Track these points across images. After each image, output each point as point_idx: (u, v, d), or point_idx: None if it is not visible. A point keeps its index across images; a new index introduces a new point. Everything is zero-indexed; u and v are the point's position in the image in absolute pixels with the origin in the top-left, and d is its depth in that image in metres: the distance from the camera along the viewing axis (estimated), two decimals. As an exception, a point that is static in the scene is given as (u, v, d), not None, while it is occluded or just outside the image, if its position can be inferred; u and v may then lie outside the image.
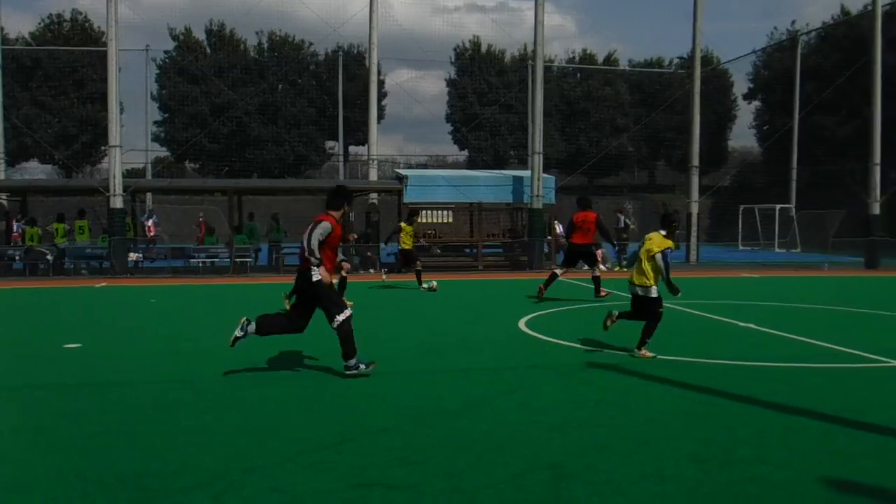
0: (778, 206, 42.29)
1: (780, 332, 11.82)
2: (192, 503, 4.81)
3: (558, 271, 16.88)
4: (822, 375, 8.89)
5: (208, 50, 52.79)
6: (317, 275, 8.37)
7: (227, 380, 8.44)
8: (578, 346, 10.48)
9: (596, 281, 16.40)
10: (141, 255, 24.62)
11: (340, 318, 8.43)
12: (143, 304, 16.08)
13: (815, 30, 49.75)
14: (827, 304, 15.90)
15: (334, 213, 8.80)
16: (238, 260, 23.54)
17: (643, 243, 9.98)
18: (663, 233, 9.93)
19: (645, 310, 9.87)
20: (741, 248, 43.00)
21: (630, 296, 10.12)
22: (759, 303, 16.15)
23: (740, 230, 44.53)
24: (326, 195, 9.08)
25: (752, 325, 12.47)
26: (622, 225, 26.49)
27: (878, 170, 28.08)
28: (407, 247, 18.93)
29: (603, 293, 16.23)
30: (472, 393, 7.76)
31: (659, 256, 9.65)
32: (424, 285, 18.19)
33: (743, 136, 59.22)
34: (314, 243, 8.41)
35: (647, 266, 9.75)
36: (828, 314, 14.52)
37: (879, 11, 28.73)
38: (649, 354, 9.69)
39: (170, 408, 7.19)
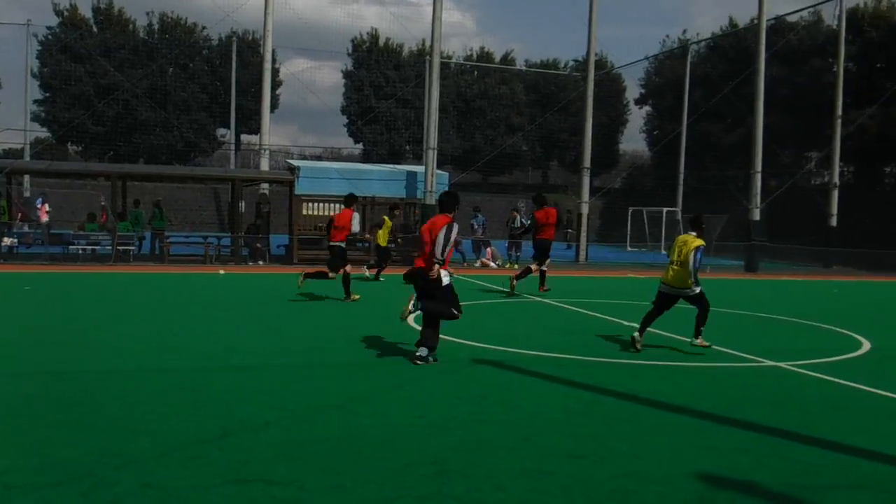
0: (665, 209, 43.49)
1: (662, 332, 12.12)
2: (60, 500, 4.60)
3: (533, 267, 16.76)
4: (701, 374, 9.18)
5: (95, 28, 50.92)
6: (435, 273, 9.12)
7: (104, 372, 8.14)
8: (465, 342, 10.52)
9: (542, 274, 16.64)
10: (16, 240, 23.52)
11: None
12: (17, 291, 15.38)
13: (704, 40, 51.47)
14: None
15: (451, 215, 9.42)
16: (120, 248, 22.76)
17: (674, 246, 10.64)
18: (694, 234, 10.55)
19: (695, 304, 10.61)
20: (629, 248, 44.05)
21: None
22: (644, 303, 16.52)
23: (629, 231, 45.60)
24: (441, 199, 9.80)
25: (636, 325, 12.75)
26: (519, 224, 26.79)
27: (758, 177, 29.28)
28: (382, 243, 19.38)
29: (544, 288, 16.54)
30: (357, 388, 7.70)
31: (692, 254, 10.24)
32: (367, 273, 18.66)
33: (634, 139, 60.73)
34: (447, 245, 9.13)
35: (686, 267, 10.32)
36: (709, 315, 14.96)
37: (764, 25, 29.92)
38: (707, 343, 10.45)
39: (40, 400, 6.87)
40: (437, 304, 9.20)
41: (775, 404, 7.66)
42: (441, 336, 10.91)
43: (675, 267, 10.46)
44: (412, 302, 9.24)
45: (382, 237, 19.38)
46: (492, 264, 25.80)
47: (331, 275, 14.78)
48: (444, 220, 9.24)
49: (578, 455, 5.74)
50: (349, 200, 15.51)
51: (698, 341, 10.50)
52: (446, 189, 26.65)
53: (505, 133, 54.62)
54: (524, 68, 60.33)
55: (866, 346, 11.60)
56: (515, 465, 5.45)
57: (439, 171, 26.15)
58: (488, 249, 26.67)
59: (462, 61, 58.83)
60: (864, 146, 39.29)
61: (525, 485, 5.08)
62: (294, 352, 9.55)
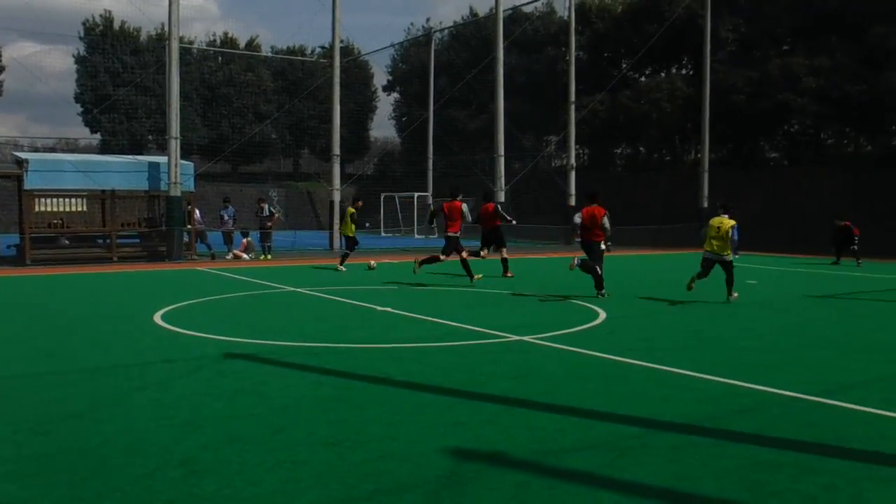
0: (416, 194, 44.55)
1: (414, 315, 12.44)
2: None
3: (483, 252, 18.88)
4: (450, 353, 9.47)
5: None
6: (603, 245, 14.55)
7: None
8: (217, 337, 10.24)
9: (504, 262, 18.95)
10: None
11: (599, 269, 14.56)
12: None
13: (446, 28, 53.05)
14: (458, 285, 17.01)
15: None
16: None
17: (711, 226, 14.11)
18: (727, 216, 14.12)
19: (726, 270, 14.13)
20: (384, 234, 44.74)
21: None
22: (396, 287, 16.87)
23: (382, 217, 46.32)
24: (590, 195, 14.89)
25: (388, 309, 12.98)
26: (266, 213, 26.35)
27: (502, 161, 30.67)
28: (350, 234, 20.70)
29: (509, 274, 18.69)
30: (100, 393, 7.27)
31: (729, 231, 13.91)
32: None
33: (384, 126, 61.78)
34: (609, 225, 14.43)
35: (726, 241, 13.95)
36: (458, 295, 15.52)
37: (501, 15, 31.26)
38: (736, 294, 14.24)
39: None
40: (595, 259, 14.48)
41: (520, 377, 8.05)
42: (188, 332, 10.61)
43: (717, 242, 13.93)
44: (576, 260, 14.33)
45: (349, 227, 20.65)
46: (245, 256, 25.29)
47: (441, 257, 17.45)
48: (601, 210, 14.37)
49: (332, 442, 5.75)
50: (455, 192, 17.87)
51: (732, 297, 14.18)
52: (192, 178, 25.84)
53: (253, 121, 53.56)
54: (270, 54, 59.44)
55: (602, 315, 12.46)
56: (268, 458, 5.37)
57: (184, 162, 25.20)
58: (243, 241, 26.10)
59: (205, 47, 57.02)
60: (596, 130, 42.13)
61: (278, 476, 5.02)
62: (28, 359, 8.87)
